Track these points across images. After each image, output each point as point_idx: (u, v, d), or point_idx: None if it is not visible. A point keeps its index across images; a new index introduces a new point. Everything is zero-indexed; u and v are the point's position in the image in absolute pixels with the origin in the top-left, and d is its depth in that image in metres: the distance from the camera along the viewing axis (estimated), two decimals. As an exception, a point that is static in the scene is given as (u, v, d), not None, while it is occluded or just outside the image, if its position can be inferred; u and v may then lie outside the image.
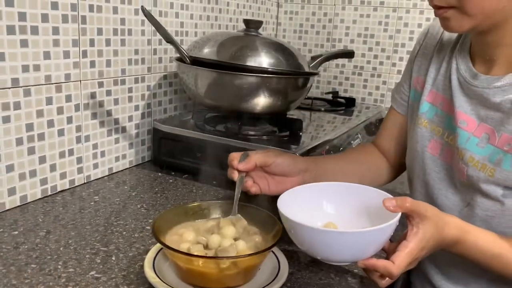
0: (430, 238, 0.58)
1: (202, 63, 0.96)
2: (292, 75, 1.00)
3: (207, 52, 0.98)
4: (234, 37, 1.03)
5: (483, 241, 0.63)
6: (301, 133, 1.04)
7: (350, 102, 1.47)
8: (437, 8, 0.66)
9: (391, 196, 0.60)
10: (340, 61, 1.63)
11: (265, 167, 0.74)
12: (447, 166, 0.76)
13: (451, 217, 0.62)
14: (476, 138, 0.69)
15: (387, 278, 0.59)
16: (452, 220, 0.62)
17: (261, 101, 0.97)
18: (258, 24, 1.04)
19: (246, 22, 1.05)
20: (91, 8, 0.87)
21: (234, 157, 0.72)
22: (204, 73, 0.95)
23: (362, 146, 0.97)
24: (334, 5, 1.61)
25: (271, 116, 1.06)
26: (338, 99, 1.50)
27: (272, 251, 0.63)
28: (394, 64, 1.56)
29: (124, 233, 0.74)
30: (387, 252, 0.61)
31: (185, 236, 0.61)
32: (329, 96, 1.53)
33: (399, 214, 0.57)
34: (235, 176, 0.71)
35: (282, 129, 1.07)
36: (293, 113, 1.22)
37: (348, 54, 1.21)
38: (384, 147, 0.92)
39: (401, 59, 1.55)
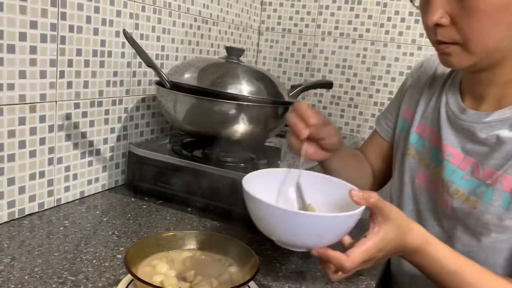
0: (391, 241, 0.57)
1: (182, 88, 0.95)
2: (272, 104, 1.00)
3: (187, 77, 0.98)
4: (216, 63, 1.03)
5: (443, 255, 0.61)
6: (279, 162, 1.04)
7: (327, 131, 1.48)
8: (439, 43, 0.66)
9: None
10: (318, 90, 1.65)
11: (321, 139, 0.71)
12: (432, 197, 0.77)
13: (415, 225, 0.61)
14: (462, 171, 0.71)
15: (339, 273, 0.58)
16: (417, 228, 0.61)
17: (240, 129, 0.96)
18: (240, 52, 1.05)
19: (228, 49, 1.05)
20: (71, 28, 0.86)
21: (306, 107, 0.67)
22: (184, 99, 0.95)
23: (360, 155, 0.98)
24: (314, 35, 1.64)
25: (249, 143, 1.05)
26: (316, 128, 1.51)
27: (248, 285, 0.62)
28: (371, 96, 1.59)
29: (94, 261, 0.71)
30: (345, 249, 0.59)
31: (158, 268, 0.59)
32: (307, 125, 1.54)
33: (362, 208, 0.56)
34: (306, 133, 0.66)
35: (260, 157, 1.06)
36: (271, 140, 1.22)
37: (327, 85, 1.22)
38: (369, 161, 0.95)
39: (377, 91, 1.58)
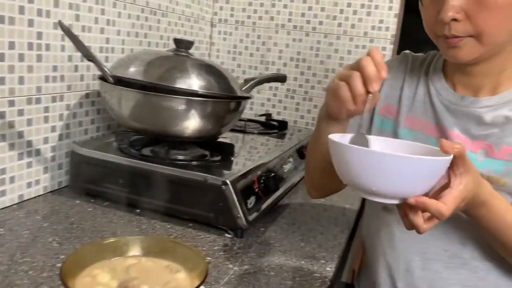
0: (470, 191, 0.59)
1: (126, 83, 0.90)
2: (224, 99, 0.96)
3: (133, 71, 0.93)
4: (163, 57, 0.98)
5: (505, 209, 0.65)
6: (232, 158, 1.01)
7: (282, 125, 1.46)
8: (451, 37, 0.68)
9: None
10: (273, 84, 1.62)
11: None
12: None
13: (484, 180, 0.64)
14: (473, 154, 0.74)
15: (432, 222, 0.58)
16: (485, 182, 0.64)
17: (191, 125, 0.92)
18: (189, 44, 1.01)
19: (177, 41, 1.00)
20: (1, 19, 0.79)
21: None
22: (129, 94, 0.89)
23: None
24: (268, 28, 1.61)
25: (201, 140, 1.01)
26: (271, 122, 1.49)
27: (197, 291, 0.58)
28: (325, 89, 1.59)
29: (31, 272, 0.65)
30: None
31: (99, 278, 0.55)
32: (263, 119, 1.52)
33: (452, 156, 0.56)
34: (378, 86, 0.62)
35: (213, 153, 1.03)
36: (226, 135, 1.18)
37: (281, 79, 1.20)
38: None
39: (332, 83, 1.57)
